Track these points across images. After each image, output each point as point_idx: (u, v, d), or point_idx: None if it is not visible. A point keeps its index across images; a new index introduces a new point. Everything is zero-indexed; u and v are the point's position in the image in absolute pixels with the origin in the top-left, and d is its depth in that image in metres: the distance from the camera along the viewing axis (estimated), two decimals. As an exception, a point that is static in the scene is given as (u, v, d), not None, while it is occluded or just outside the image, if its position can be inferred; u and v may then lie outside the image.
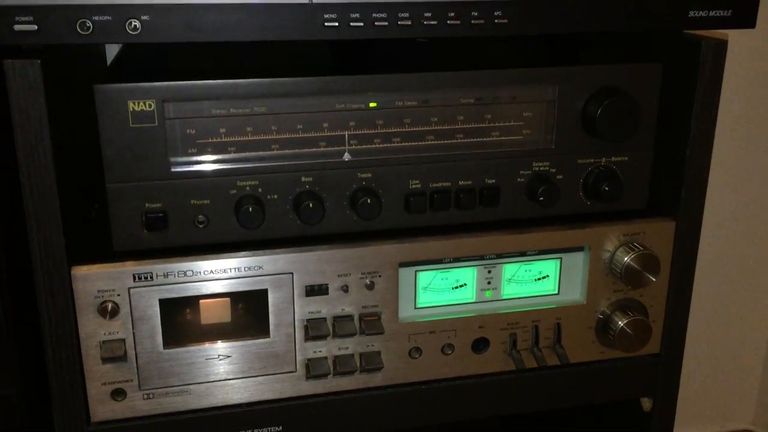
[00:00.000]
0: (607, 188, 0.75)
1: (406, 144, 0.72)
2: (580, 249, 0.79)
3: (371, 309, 0.74)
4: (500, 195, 0.74)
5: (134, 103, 0.64)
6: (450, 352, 0.78)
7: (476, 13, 0.67)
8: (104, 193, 0.67)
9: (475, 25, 0.67)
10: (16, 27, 0.59)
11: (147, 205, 0.67)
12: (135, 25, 0.61)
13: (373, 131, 0.71)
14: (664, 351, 0.83)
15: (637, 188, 0.78)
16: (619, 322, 0.79)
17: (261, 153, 0.69)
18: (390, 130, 0.71)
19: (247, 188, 0.69)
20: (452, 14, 0.67)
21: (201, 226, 0.69)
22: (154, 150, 0.66)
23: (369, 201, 0.70)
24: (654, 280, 0.77)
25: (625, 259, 0.77)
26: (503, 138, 0.74)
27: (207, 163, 0.68)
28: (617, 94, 0.72)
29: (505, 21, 0.68)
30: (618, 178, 0.76)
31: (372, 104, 0.70)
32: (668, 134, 0.78)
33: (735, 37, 0.79)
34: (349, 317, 0.74)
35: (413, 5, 0.65)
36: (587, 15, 0.69)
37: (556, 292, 0.80)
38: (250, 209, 0.67)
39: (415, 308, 0.77)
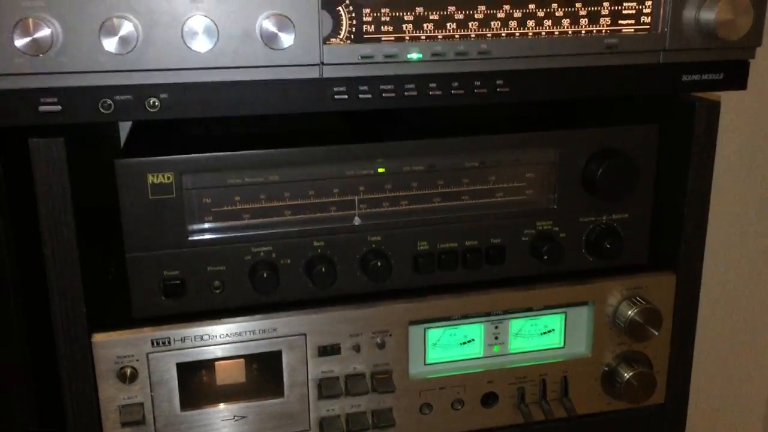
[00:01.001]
0: (608, 246, 0.77)
1: (414, 207, 0.74)
2: (584, 303, 0.81)
3: (382, 367, 0.76)
4: (505, 253, 0.77)
5: (153, 176, 0.67)
6: (460, 407, 0.80)
7: (479, 83, 0.70)
8: (120, 255, 0.69)
9: (478, 94, 0.70)
10: (42, 108, 0.62)
11: (165, 272, 0.69)
12: (154, 103, 0.64)
13: (382, 195, 0.73)
14: (669, 401, 0.85)
15: (637, 244, 0.80)
16: (625, 375, 0.81)
17: (274, 219, 0.71)
18: (398, 194, 0.74)
19: (262, 254, 0.71)
20: (456, 84, 0.70)
21: (217, 291, 0.71)
22: (171, 220, 0.68)
23: (379, 264, 0.72)
24: (657, 333, 0.80)
25: (629, 313, 0.79)
26: (507, 198, 0.77)
27: (222, 231, 0.70)
28: (616, 156, 0.75)
29: (507, 90, 0.71)
30: (619, 235, 0.78)
31: (380, 170, 0.73)
32: (666, 190, 0.80)
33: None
34: (361, 375, 0.76)
35: (419, 77, 0.68)
36: (584, 82, 0.72)
37: (561, 345, 0.82)
38: (265, 275, 0.70)
39: (425, 364, 0.79)
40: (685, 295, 0.82)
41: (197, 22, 0.60)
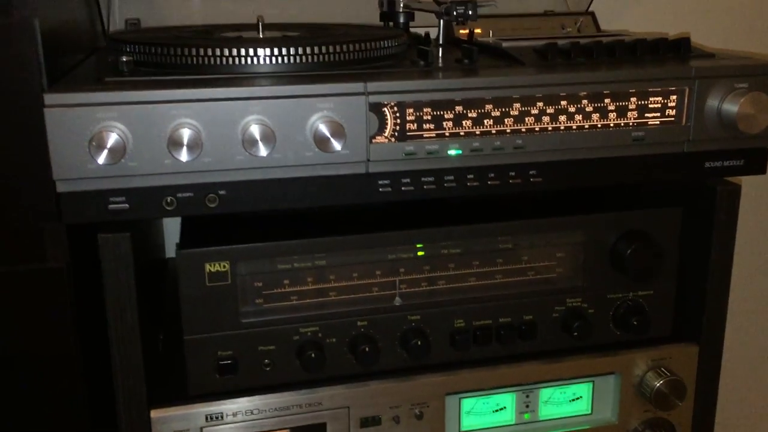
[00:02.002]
0: (635, 322, 0.81)
1: (451, 286, 0.79)
2: (611, 373, 0.85)
3: (420, 437, 0.80)
4: (537, 329, 0.81)
5: (211, 265, 0.71)
6: (492, 473, 0.84)
7: (513, 173, 0.75)
8: (168, 326, 0.73)
9: (512, 184, 0.75)
10: (111, 207, 0.67)
11: (219, 353, 0.74)
12: (213, 199, 0.69)
13: (421, 276, 0.78)
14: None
15: (662, 318, 0.84)
16: (651, 439, 0.85)
17: (320, 300, 0.76)
18: (436, 274, 0.78)
19: (308, 334, 0.75)
20: (492, 175, 0.74)
21: (267, 369, 0.75)
22: (226, 304, 0.73)
23: (419, 343, 0.76)
24: (681, 404, 0.83)
25: (654, 384, 0.83)
26: (538, 276, 0.81)
27: (272, 312, 0.75)
28: (642, 239, 0.79)
29: (540, 179, 0.75)
30: (645, 312, 0.82)
31: (420, 253, 0.77)
32: (689, 267, 0.84)
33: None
34: (400, 444, 0.80)
35: (458, 170, 0.73)
36: (613, 171, 0.76)
37: (589, 412, 0.86)
38: (313, 355, 0.74)
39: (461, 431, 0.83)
40: (707, 365, 0.86)
41: (256, 131, 0.65)
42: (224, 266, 0.72)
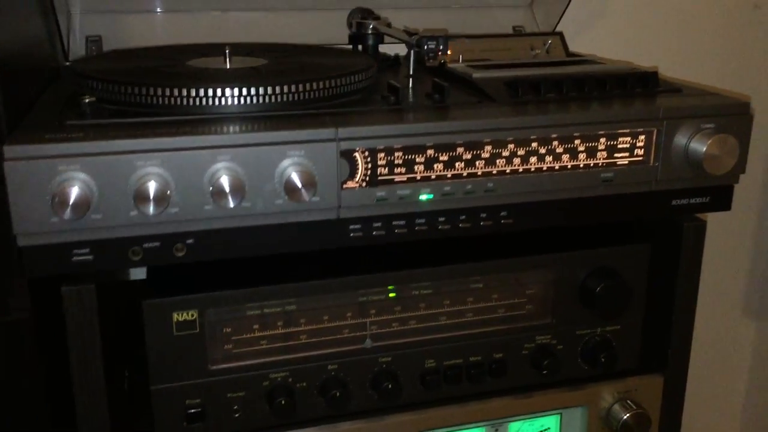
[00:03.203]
0: (603, 359, 0.82)
1: (422, 326, 0.78)
2: (579, 406, 0.86)
3: (391, 475, 0.80)
4: (507, 367, 0.81)
5: (178, 315, 0.70)
6: (463, 506, 0.84)
7: (484, 215, 0.74)
8: (134, 363, 0.71)
9: (483, 226, 0.74)
10: (74, 259, 0.65)
11: (187, 401, 0.72)
12: (181, 248, 0.67)
13: (392, 317, 0.77)
14: (658, 491, 0.90)
15: (629, 351, 0.85)
16: (617, 470, 0.86)
17: (290, 343, 0.75)
18: (407, 315, 0.78)
19: (278, 379, 0.74)
20: (463, 217, 0.74)
21: (236, 416, 0.74)
22: (194, 352, 0.71)
23: (390, 386, 0.76)
24: (647, 435, 0.85)
25: (621, 416, 0.84)
26: (508, 314, 0.81)
27: (241, 357, 0.74)
28: (611, 276, 0.80)
29: (510, 221, 0.75)
30: (612, 347, 0.83)
31: (391, 295, 0.77)
32: (656, 299, 0.85)
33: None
34: (371, 483, 0.79)
35: (429, 213, 0.72)
36: (582, 211, 0.77)
37: (557, 443, 0.87)
38: (283, 402, 0.73)
39: (430, 466, 0.83)
40: (672, 395, 0.87)
41: (224, 182, 0.63)
42: (192, 315, 0.70)
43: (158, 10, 1.07)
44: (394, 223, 0.72)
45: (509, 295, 0.80)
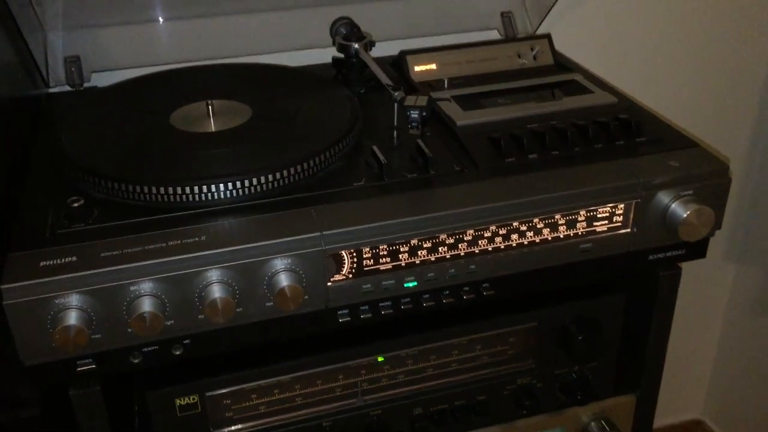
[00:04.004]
0: (579, 396, 0.88)
1: (409, 378, 0.84)
2: (557, 427, 0.93)
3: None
4: (490, 407, 0.87)
5: (180, 399, 0.75)
6: None
7: (467, 289, 0.77)
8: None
9: (467, 299, 0.78)
10: (79, 369, 0.69)
11: (196, 467, 0.79)
12: (178, 347, 0.71)
13: (381, 374, 0.82)
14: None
15: (604, 383, 0.91)
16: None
17: (286, 406, 0.80)
18: (395, 371, 0.83)
19: (278, 439, 0.81)
20: (447, 293, 0.77)
21: (241, 473, 0.81)
22: (198, 427, 0.77)
23: (381, 438, 0.83)
24: (619, 454, 0.93)
25: (596, 436, 0.92)
26: (491, 360, 0.86)
27: (241, 422, 0.79)
28: (589, 326, 0.84)
29: (492, 292, 0.78)
30: (589, 384, 0.89)
31: (380, 359, 0.81)
32: (632, 334, 0.90)
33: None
34: None
35: (413, 293, 0.75)
36: (561, 277, 0.80)
37: (537, 457, 0.95)
38: (284, 462, 0.80)
39: (420, 485, 0.91)
40: (644, 414, 0.94)
41: (217, 302, 0.66)
42: (194, 398, 0.75)
43: (135, 20, 1.04)
44: (381, 305, 0.75)
45: (492, 344, 0.85)
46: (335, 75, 0.99)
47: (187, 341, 0.71)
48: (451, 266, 0.74)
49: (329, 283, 0.71)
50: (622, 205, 0.78)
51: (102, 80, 1.03)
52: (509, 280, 0.78)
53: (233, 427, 0.79)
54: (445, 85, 0.96)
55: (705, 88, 1.38)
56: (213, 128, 0.83)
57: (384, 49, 1.07)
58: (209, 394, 0.76)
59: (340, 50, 0.98)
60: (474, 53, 1.02)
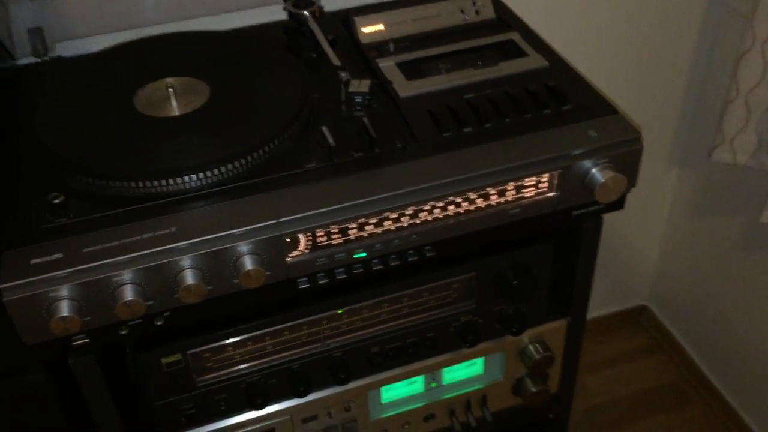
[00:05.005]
0: (515, 329, 1.01)
1: (366, 323, 0.96)
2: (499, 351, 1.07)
3: (350, 421, 1.03)
4: (437, 342, 1.00)
5: (166, 359, 0.87)
6: (408, 427, 1.08)
7: (411, 252, 0.88)
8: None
9: (411, 261, 0.88)
10: (75, 344, 0.80)
11: (184, 407, 0.92)
12: (159, 318, 0.82)
13: (341, 322, 0.94)
14: (561, 391, 1.15)
15: (538, 314, 1.04)
16: (530, 389, 1.10)
17: (259, 353, 0.93)
18: (353, 318, 0.95)
19: (253, 378, 0.93)
20: (393, 257, 0.88)
21: (222, 408, 0.94)
22: (184, 378, 0.90)
23: (342, 376, 0.96)
24: (549, 374, 1.07)
25: (534, 357, 1.06)
26: (437, 303, 0.98)
27: (221, 371, 0.92)
28: (523, 274, 0.96)
29: (434, 253, 0.89)
30: (524, 317, 1.02)
31: (339, 312, 0.93)
32: (561, 273, 1.02)
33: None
34: (335, 427, 1.03)
35: (364, 261, 0.86)
36: (494, 234, 0.90)
37: (482, 373, 1.09)
38: (259, 401, 0.93)
39: (381, 404, 1.06)
40: (573, 336, 1.08)
41: (190, 289, 0.77)
42: (177, 357, 0.87)
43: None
44: (335, 271, 0.86)
45: (437, 291, 0.97)
46: (287, 42, 1.05)
47: (167, 314, 0.82)
48: (395, 237, 0.85)
49: (288, 259, 0.82)
50: (546, 175, 0.87)
51: (67, 50, 1.08)
52: (449, 243, 0.88)
53: (214, 374, 0.92)
54: (391, 49, 1.03)
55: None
56: (176, 111, 0.90)
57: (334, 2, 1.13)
58: (190, 352, 0.88)
59: (290, 18, 1.03)
60: (419, 11, 1.08)
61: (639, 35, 1.46)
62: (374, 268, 0.87)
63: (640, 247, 1.87)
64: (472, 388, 1.09)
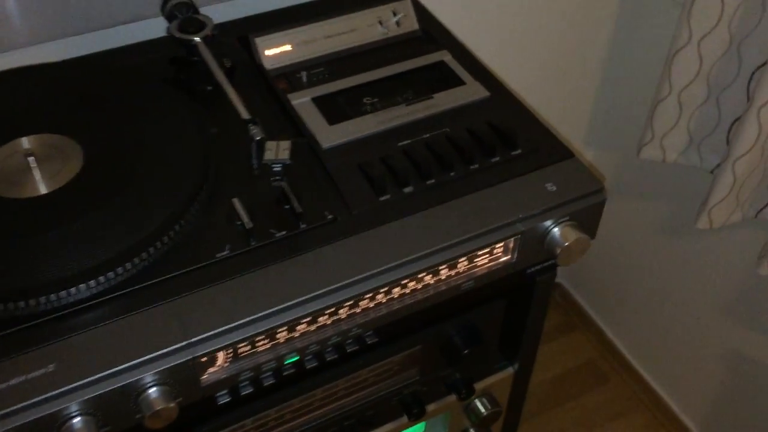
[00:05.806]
0: (463, 394, 0.90)
1: (296, 414, 0.82)
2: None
3: None
4: (379, 418, 0.88)
5: None
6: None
7: (350, 341, 0.74)
8: None
9: (350, 352, 0.75)
10: None
11: None
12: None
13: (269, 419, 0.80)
14: (505, 436, 1.06)
15: (485, 370, 0.93)
16: (475, 442, 1.00)
17: None
18: (281, 413, 0.81)
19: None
20: (330, 350, 0.73)
21: None
22: None
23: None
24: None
25: (481, 414, 0.95)
26: (377, 379, 0.85)
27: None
28: (472, 340, 0.84)
29: (376, 339, 0.75)
30: (472, 381, 0.91)
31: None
32: (510, 324, 0.91)
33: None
34: None
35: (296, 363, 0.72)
36: (443, 309, 0.77)
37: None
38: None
39: None
40: (519, 384, 0.98)
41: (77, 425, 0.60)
42: None
43: None
44: (262, 377, 0.71)
45: (378, 369, 0.84)
46: (175, 74, 0.86)
47: None
48: (333, 333, 0.70)
49: (203, 378, 0.66)
50: (501, 245, 0.75)
51: None
52: (392, 326, 0.75)
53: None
54: (304, 80, 0.86)
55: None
56: (42, 188, 0.71)
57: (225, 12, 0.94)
58: None
59: (176, 44, 0.84)
60: (330, 26, 0.91)
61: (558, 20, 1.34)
62: (308, 366, 0.73)
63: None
64: (413, 447, 0.98)
